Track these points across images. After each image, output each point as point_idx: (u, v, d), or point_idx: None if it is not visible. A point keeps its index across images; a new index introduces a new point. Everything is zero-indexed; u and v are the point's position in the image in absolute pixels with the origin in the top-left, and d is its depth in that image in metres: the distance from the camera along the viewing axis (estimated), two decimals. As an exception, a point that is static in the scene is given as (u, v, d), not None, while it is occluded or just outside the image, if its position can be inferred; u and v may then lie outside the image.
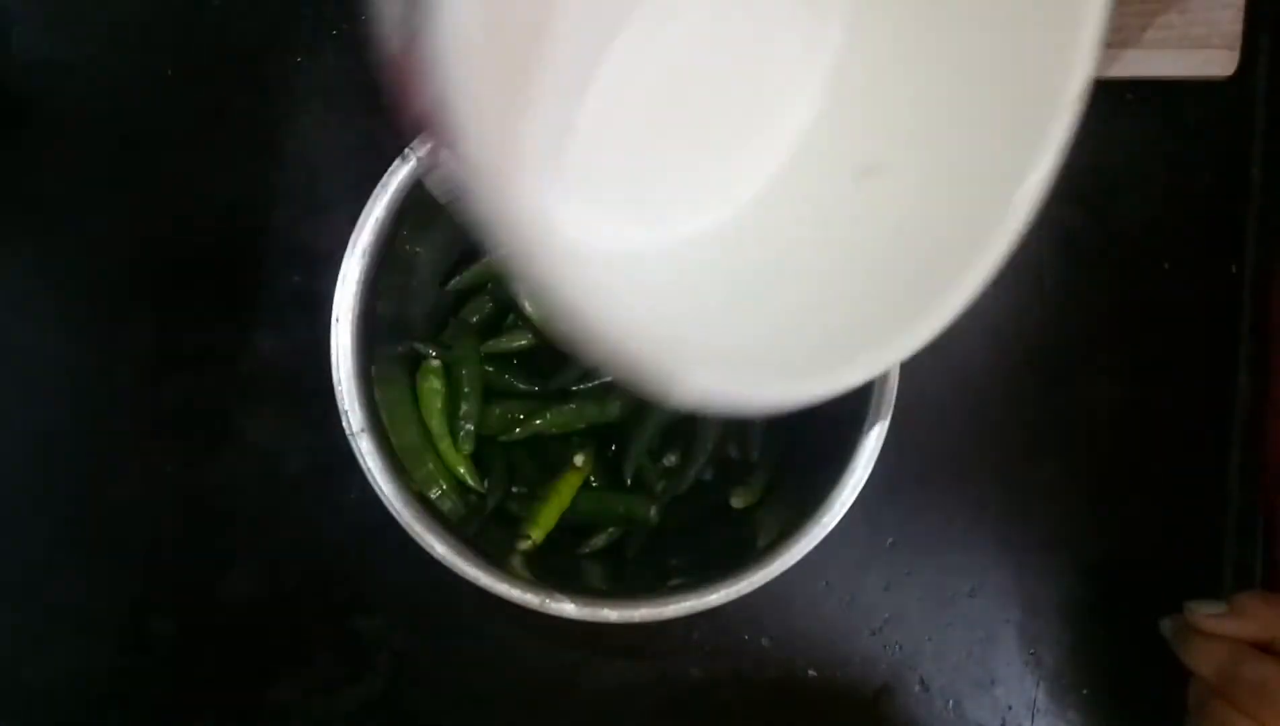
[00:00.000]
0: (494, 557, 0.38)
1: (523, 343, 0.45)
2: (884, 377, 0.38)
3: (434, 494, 0.41)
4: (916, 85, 0.18)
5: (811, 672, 0.48)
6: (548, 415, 0.43)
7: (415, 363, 0.45)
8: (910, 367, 0.38)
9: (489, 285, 0.46)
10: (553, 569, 0.41)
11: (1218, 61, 0.47)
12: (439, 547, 0.37)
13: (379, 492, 0.38)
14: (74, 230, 0.49)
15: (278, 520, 0.48)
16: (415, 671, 0.48)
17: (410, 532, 0.37)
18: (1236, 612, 0.39)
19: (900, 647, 0.48)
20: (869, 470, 0.38)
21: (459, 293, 0.46)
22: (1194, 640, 0.40)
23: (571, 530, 0.44)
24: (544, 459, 0.45)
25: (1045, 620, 0.49)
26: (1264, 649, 0.38)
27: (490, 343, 0.45)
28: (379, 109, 0.49)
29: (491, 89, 0.15)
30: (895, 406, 0.38)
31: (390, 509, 0.38)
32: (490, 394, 0.44)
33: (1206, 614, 0.40)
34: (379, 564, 0.48)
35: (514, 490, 0.45)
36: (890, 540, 0.49)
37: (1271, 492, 0.48)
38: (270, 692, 0.48)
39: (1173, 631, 0.42)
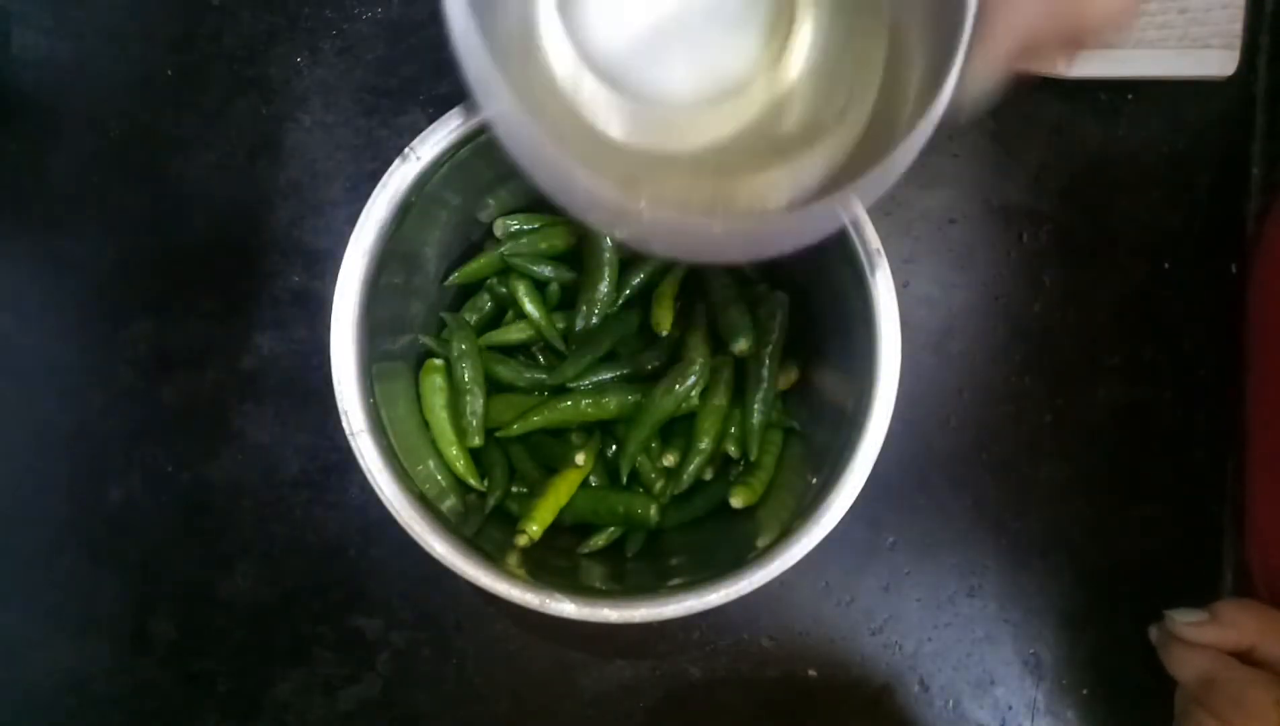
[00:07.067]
0: (494, 557, 0.38)
1: (521, 336, 0.45)
2: (884, 378, 0.38)
3: (434, 494, 0.41)
4: None
5: (811, 672, 0.48)
6: (545, 411, 0.43)
7: (416, 362, 0.45)
8: (911, 368, 0.38)
9: (487, 281, 0.46)
10: (552, 568, 0.41)
11: (1218, 61, 0.47)
12: (439, 547, 0.37)
13: (379, 492, 0.38)
14: (74, 230, 0.49)
15: (278, 520, 0.48)
16: (415, 671, 0.48)
17: (410, 532, 0.37)
18: (1216, 621, 0.39)
19: (900, 648, 0.48)
20: (869, 470, 0.38)
21: (459, 290, 0.46)
22: (1175, 648, 0.40)
23: (571, 530, 0.44)
24: (544, 458, 0.45)
25: (1045, 620, 0.49)
26: (1243, 656, 0.38)
27: (489, 334, 0.45)
28: (379, 109, 0.49)
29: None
30: (895, 406, 0.38)
31: (390, 509, 0.38)
32: (489, 390, 0.44)
33: (1187, 622, 0.40)
34: (379, 564, 0.48)
35: (514, 490, 0.45)
36: (890, 540, 0.49)
37: (1248, 491, 0.48)
38: (270, 692, 0.48)
39: (1157, 639, 0.42)
